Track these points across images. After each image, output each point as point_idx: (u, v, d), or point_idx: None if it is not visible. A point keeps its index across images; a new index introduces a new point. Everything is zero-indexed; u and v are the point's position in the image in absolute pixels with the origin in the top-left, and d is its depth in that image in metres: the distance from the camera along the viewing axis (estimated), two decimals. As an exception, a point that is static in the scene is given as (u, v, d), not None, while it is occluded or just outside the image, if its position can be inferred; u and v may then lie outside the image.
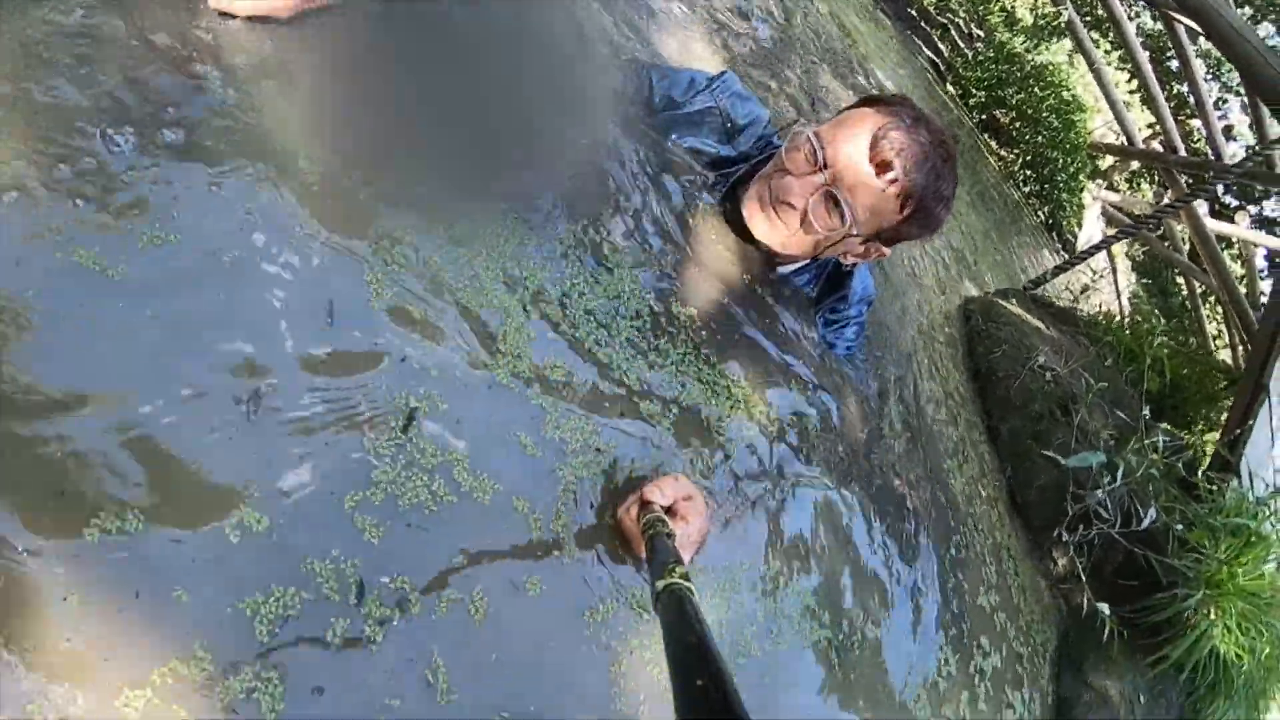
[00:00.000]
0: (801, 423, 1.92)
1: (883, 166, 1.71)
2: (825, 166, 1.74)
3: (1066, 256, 8.83)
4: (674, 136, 2.03)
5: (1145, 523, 3.21)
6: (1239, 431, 4.02)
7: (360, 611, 1.05)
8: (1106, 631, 3.13)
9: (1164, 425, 3.82)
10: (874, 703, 1.77)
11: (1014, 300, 4.53)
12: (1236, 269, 9.60)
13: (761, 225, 1.89)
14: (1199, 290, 10.47)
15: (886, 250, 1.94)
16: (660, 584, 1.05)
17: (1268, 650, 3.50)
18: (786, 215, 1.82)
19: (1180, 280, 11.92)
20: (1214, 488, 3.57)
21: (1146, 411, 3.59)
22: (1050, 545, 3.35)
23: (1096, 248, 5.46)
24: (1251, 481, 3.92)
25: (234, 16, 1.28)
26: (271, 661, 0.97)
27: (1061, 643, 3.23)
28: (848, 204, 1.74)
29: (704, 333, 1.76)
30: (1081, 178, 9.33)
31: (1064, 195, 9.05)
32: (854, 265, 2.09)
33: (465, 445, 1.24)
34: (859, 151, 1.72)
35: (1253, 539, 3.42)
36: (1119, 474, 3.27)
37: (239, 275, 1.11)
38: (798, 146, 1.79)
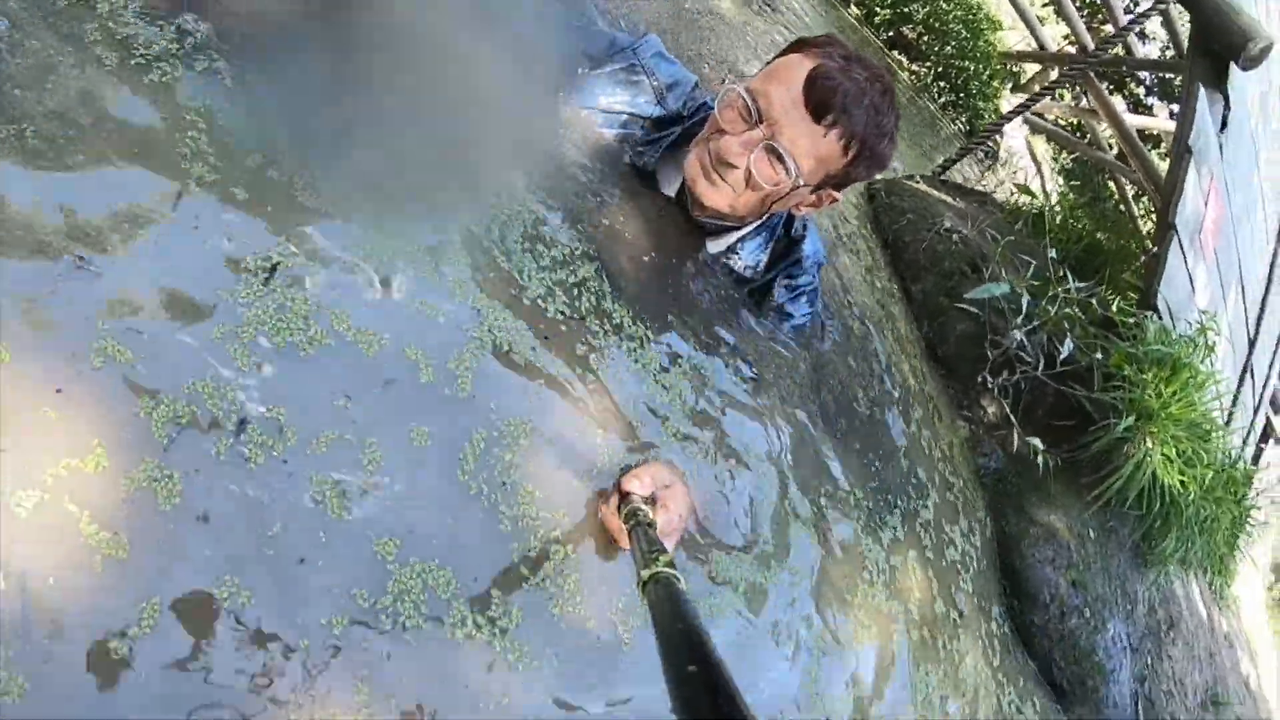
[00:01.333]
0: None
1: (820, 111, 1.67)
2: (761, 120, 1.70)
3: (989, 163, 8.84)
4: (597, 98, 1.98)
5: (1063, 354, 3.22)
6: (1151, 265, 4.07)
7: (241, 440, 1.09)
8: (1042, 468, 3.16)
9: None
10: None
11: (920, 181, 4.56)
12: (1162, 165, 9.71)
13: (707, 191, 1.83)
14: (1130, 192, 10.57)
15: (838, 195, 1.90)
16: (645, 573, 1.05)
17: (1210, 475, 3.52)
18: (730, 175, 1.76)
19: (1111, 184, 12.02)
20: (1133, 321, 3.57)
21: (1053, 252, 3.59)
22: (977, 394, 3.36)
23: (991, 127, 5.54)
24: (1173, 320, 3.95)
25: None
26: (169, 462, 1.01)
27: (998, 483, 3.28)
28: (789, 155, 1.70)
29: (635, 306, 1.71)
30: (995, 83, 9.37)
31: (979, 103, 9.08)
32: (805, 225, 2.10)
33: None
34: (793, 100, 1.67)
35: (1178, 366, 3.45)
36: (1032, 313, 3.32)
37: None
38: (730, 104, 1.74)
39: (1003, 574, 3.04)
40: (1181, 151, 4.16)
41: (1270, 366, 7.86)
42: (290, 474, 1.09)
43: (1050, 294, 3.39)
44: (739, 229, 1.99)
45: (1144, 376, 3.31)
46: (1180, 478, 3.37)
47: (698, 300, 1.89)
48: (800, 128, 1.68)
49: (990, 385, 3.27)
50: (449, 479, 1.24)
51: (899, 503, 2.37)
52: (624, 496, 1.34)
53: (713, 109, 1.87)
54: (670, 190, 1.97)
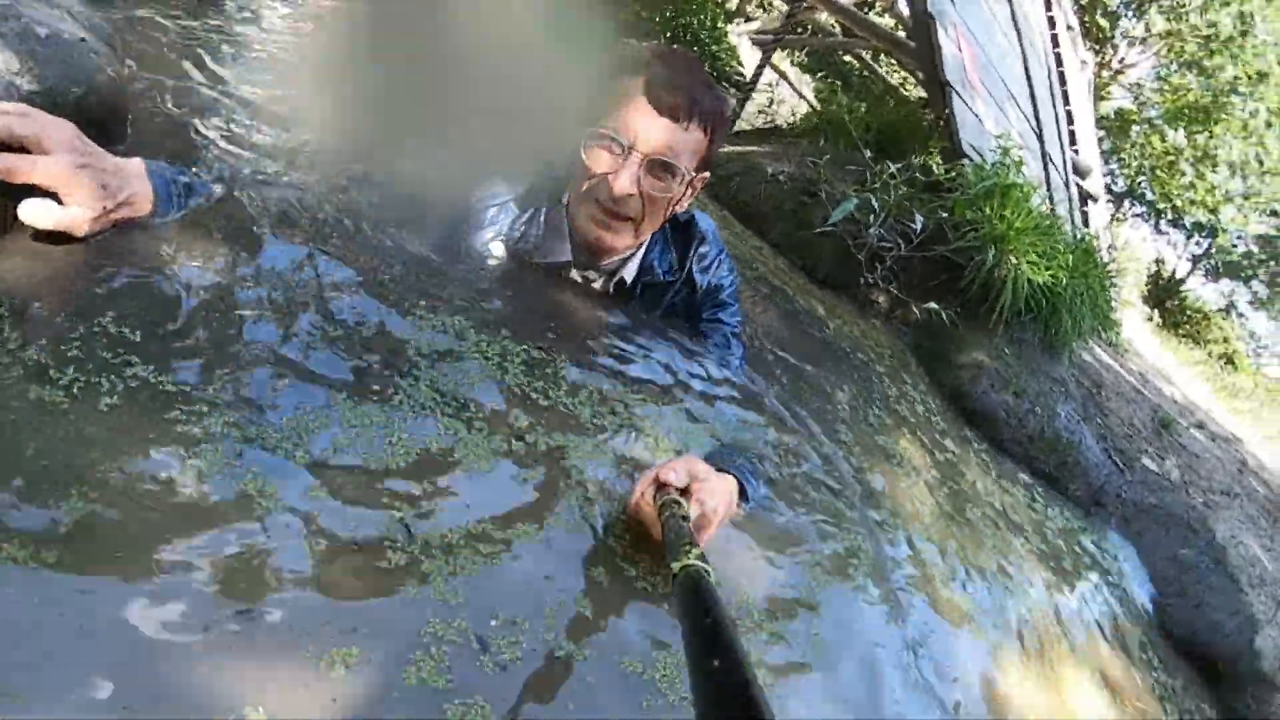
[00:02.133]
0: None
1: (675, 113, 1.74)
2: (631, 147, 1.75)
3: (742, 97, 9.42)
4: (474, 228, 2.01)
5: (917, 228, 3.72)
6: (946, 124, 4.60)
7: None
8: (947, 322, 3.71)
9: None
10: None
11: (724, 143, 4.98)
12: (888, 22, 10.37)
13: (612, 238, 1.90)
14: (869, 56, 11.24)
15: (706, 174, 1.94)
16: (676, 565, 1.04)
17: (1069, 259, 4.14)
18: (628, 207, 1.82)
19: (850, 59, 12.68)
20: (953, 174, 4.12)
21: (868, 153, 4.07)
22: (866, 293, 3.85)
23: (757, 73, 5.97)
24: (982, 157, 4.52)
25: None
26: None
27: (918, 348, 3.82)
28: (672, 159, 1.77)
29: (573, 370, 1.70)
30: (720, 24, 9.85)
31: (713, 47, 9.53)
32: (689, 218, 2.14)
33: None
34: (650, 114, 1.74)
35: (1005, 190, 4.04)
36: (875, 209, 3.79)
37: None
38: (597, 149, 1.79)
39: (961, 415, 3.56)
40: (925, 19, 4.74)
41: (1060, 143, 8.55)
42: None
43: (879, 185, 3.92)
44: (638, 251, 2.04)
45: (984, 212, 3.88)
46: (1047, 273, 3.96)
47: (658, 320, 2.01)
48: (667, 134, 1.74)
49: (873, 281, 3.78)
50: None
51: (866, 393, 2.84)
52: (660, 487, 1.31)
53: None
54: (565, 256, 1.99)
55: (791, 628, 1.44)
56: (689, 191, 1.92)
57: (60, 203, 1.21)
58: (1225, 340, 27.91)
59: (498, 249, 1.98)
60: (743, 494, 1.53)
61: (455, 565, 1.10)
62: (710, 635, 0.85)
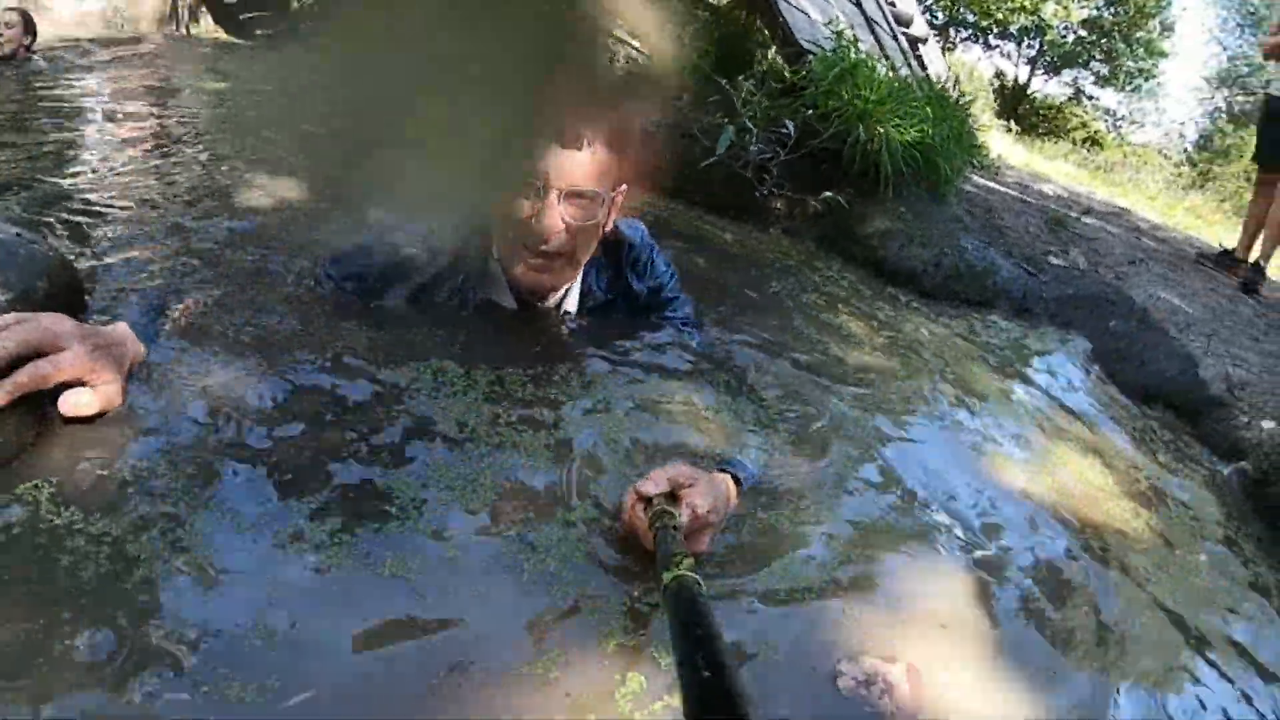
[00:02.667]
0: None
1: (574, 141, 1.73)
2: (547, 185, 1.74)
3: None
4: (400, 294, 1.99)
5: (791, 131, 4.06)
6: (779, 31, 4.92)
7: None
8: (844, 205, 4.05)
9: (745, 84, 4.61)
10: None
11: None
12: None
13: (550, 280, 1.91)
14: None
15: (624, 187, 1.92)
16: (667, 576, 1.04)
17: (927, 110, 4.52)
18: (562, 246, 1.81)
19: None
20: (803, 73, 4.45)
21: (724, 80, 4.35)
22: (766, 205, 4.19)
23: None
24: (820, 47, 4.84)
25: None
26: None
27: (826, 237, 4.18)
28: (590, 189, 1.76)
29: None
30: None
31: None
32: (619, 241, 2.12)
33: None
34: (551, 151, 1.73)
35: (853, 69, 4.38)
36: (747, 128, 4.09)
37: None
38: (520, 193, 1.78)
39: (881, 279, 3.92)
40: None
41: (877, 3, 8.81)
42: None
43: (742, 104, 4.22)
44: (575, 280, 2.04)
45: (843, 97, 4.20)
46: (913, 131, 4.31)
47: (627, 340, 1.99)
48: (573, 162, 1.73)
49: (766, 193, 4.11)
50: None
51: (795, 289, 3.16)
52: (646, 502, 1.30)
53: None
54: (509, 302, 2.00)
55: (802, 473, 1.70)
56: (611, 211, 1.92)
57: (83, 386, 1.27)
58: (1084, 125, 28.89)
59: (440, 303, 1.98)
60: (738, 482, 1.51)
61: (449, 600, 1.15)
62: (700, 646, 0.86)
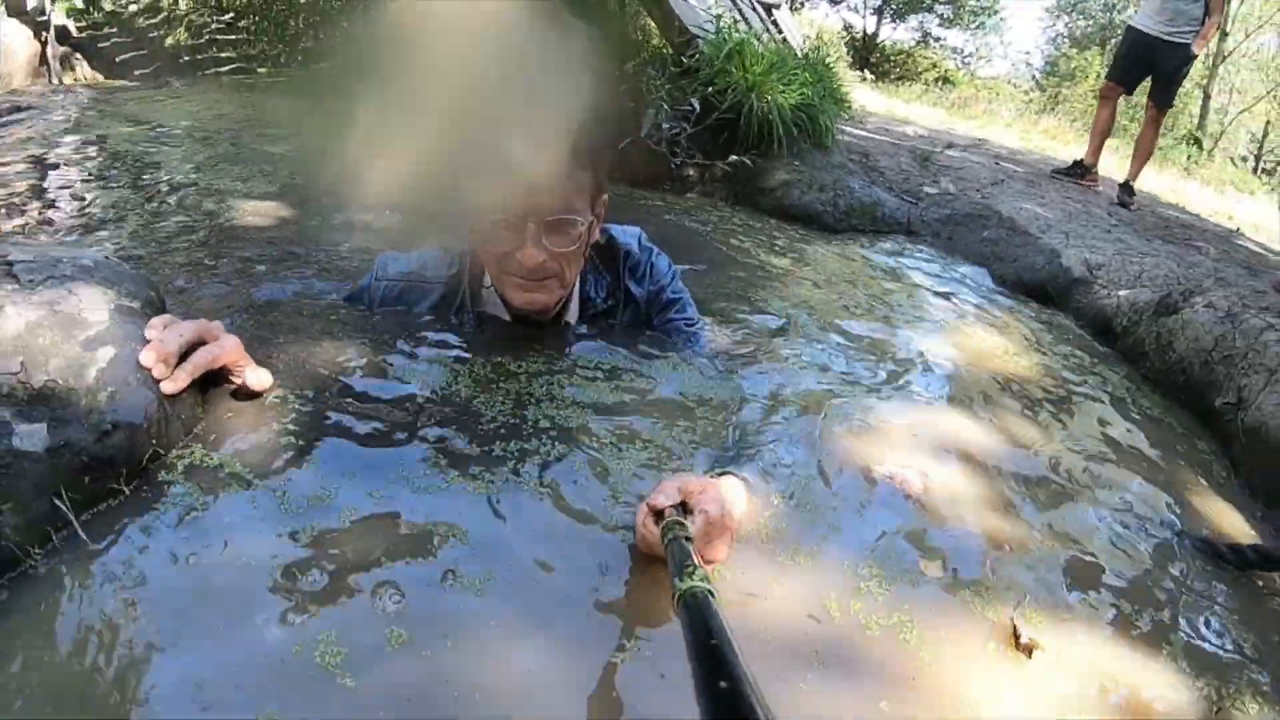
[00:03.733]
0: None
1: (545, 172, 1.66)
2: (524, 218, 1.71)
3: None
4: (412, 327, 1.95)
5: (695, 107, 4.69)
6: (673, 21, 5.50)
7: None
8: (750, 165, 4.70)
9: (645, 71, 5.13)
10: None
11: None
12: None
13: (544, 300, 1.86)
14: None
15: (605, 197, 1.90)
16: (680, 587, 1.02)
17: (804, 76, 5.17)
18: (548, 272, 1.79)
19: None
20: (695, 56, 5.06)
21: (630, 68, 4.90)
22: (682, 173, 4.79)
23: None
24: (705, 30, 5.39)
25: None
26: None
27: (737, 194, 4.82)
28: (566, 214, 1.73)
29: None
30: None
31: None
32: (607, 237, 2.09)
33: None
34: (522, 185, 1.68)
35: (739, 48, 5.01)
36: (659, 108, 4.68)
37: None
38: (496, 230, 1.76)
39: (789, 223, 4.54)
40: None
41: None
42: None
43: (648, 89, 4.81)
44: (572, 291, 2.00)
45: (734, 73, 4.82)
46: (795, 95, 4.96)
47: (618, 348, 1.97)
48: (551, 192, 1.69)
49: (680, 163, 4.72)
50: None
51: (720, 240, 3.73)
52: (657, 515, 1.27)
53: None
54: (505, 315, 1.97)
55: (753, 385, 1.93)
56: (595, 223, 1.87)
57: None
58: (934, 66, 29.95)
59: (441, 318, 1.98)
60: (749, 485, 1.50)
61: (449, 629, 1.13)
62: (716, 657, 0.85)
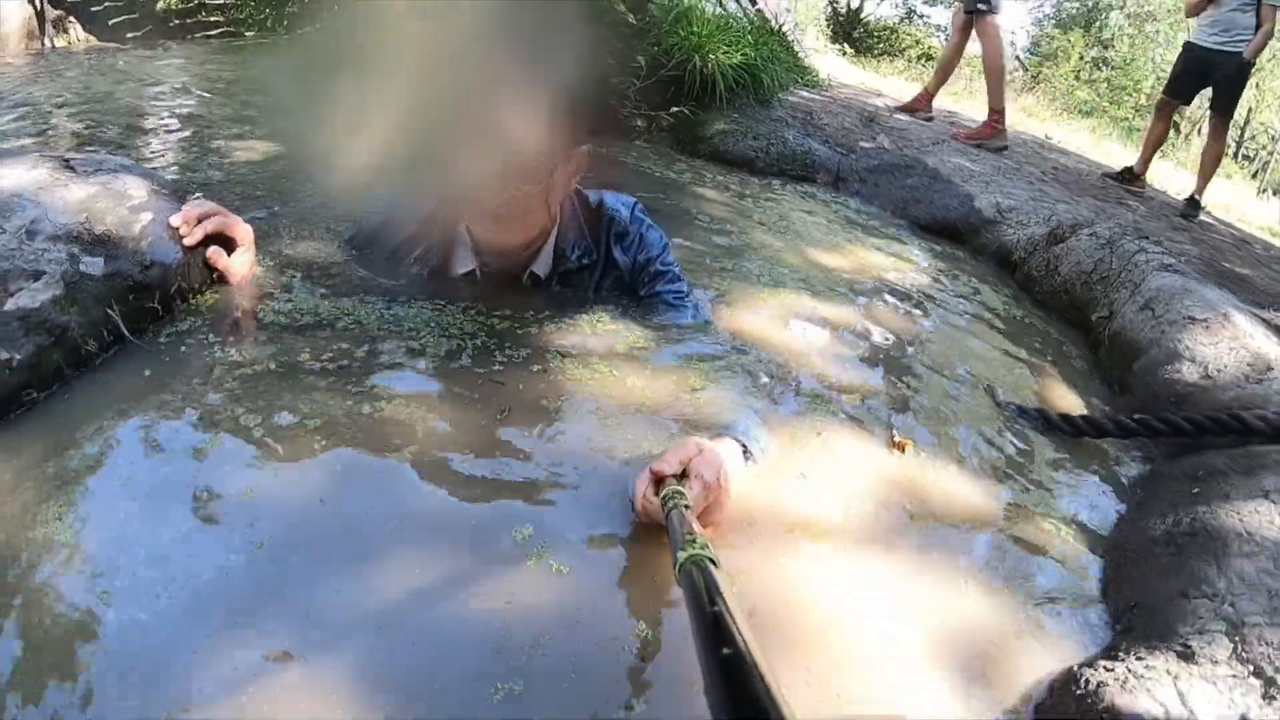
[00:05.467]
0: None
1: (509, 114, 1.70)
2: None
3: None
4: (383, 259, 2.09)
5: (643, 64, 5.07)
6: None
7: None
8: (689, 118, 5.12)
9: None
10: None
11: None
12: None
13: (503, 235, 1.94)
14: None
15: (583, 148, 1.93)
16: (682, 556, 1.03)
17: (752, 39, 5.60)
18: (510, 210, 1.85)
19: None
20: (646, 18, 5.41)
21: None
22: (627, 128, 5.18)
23: None
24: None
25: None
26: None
27: (682, 142, 5.21)
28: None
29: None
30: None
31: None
32: (599, 200, 2.11)
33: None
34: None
35: (686, 12, 5.43)
36: (612, 63, 5.00)
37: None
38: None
39: (725, 168, 4.89)
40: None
41: None
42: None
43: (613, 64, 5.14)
44: (546, 243, 2.00)
45: (682, 34, 5.21)
46: (738, 56, 5.34)
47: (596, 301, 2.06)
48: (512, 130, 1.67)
49: (628, 114, 5.12)
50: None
51: (666, 180, 4.12)
52: (658, 483, 1.29)
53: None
54: (470, 265, 1.99)
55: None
56: (565, 172, 1.89)
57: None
58: (918, 42, 30.05)
59: (409, 266, 2.04)
60: (747, 452, 1.52)
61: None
62: (718, 625, 0.85)
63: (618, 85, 5.01)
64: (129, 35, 10.18)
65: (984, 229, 4.31)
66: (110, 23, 11.35)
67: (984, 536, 1.65)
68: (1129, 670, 1.24)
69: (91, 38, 11.18)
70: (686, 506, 1.20)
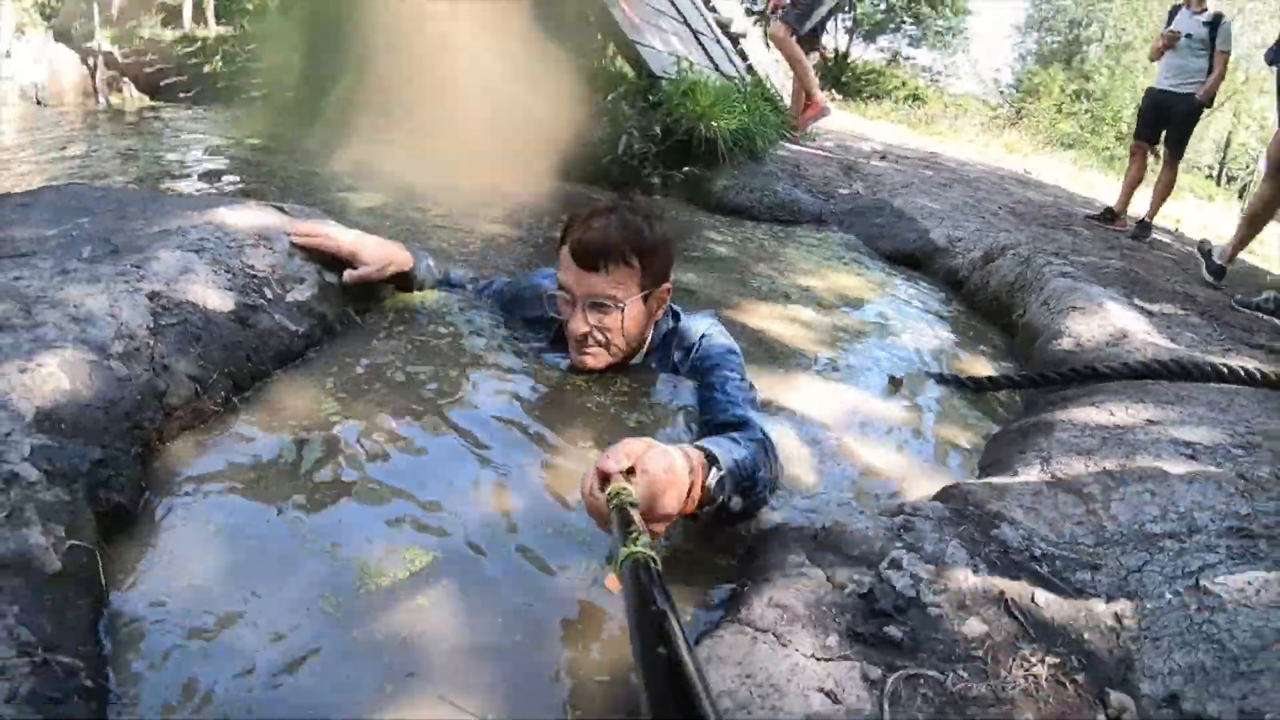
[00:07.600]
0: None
1: (590, 263, 2.00)
2: (574, 296, 2.04)
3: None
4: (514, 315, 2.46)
5: (659, 132, 6.05)
6: (641, 67, 6.65)
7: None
8: (698, 178, 6.08)
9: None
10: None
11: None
12: None
13: (590, 362, 2.12)
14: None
15: (667, 285, 2.16)
16: (623, 552, 1.02)
17: (747, 106, 6.58)
18: (595, 340, 2.09)
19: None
20: (659, 93, 6.36)
21: (607, 100, 6.16)
22: (647, 184, 6.02)
23: None
24: (667, 70, 6.67)
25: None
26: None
27: (689, 190, 6.12)
28: (602, 298, 2.02)
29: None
30: None
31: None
32: (676, 318, 2.31)
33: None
34: (574, 270, 2.02)
35: (695, 87, 6.34)
36: (631, 138, 5.97)
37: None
38: (557, 299, 2.14)
39: (728, 215, 5.80)
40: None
41: (700, 16, 10.16)
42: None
43: (623, 116, 6.11)
44: (636, 360, 2.24)
45: (689, 106, 6.15)
46: (738, 121, 6.30)
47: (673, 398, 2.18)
48: (590, 281, 2.01)
49: (649, 173, 6.04)
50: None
51: (685, 227, 5.10)
52: (604, 480, 1.27)
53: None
54: (570, 360, 2.20)
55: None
56: (654, 306, 2.16)
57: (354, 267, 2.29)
58: (904, 84, 30.79)
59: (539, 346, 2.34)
60: (714, 461, 1.51)
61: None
62: (655, 623, 0.86)
63: (638, 149, 5.94)
64: (181, 96, 11.06)
65: (937, 256, 5.26)
66: (161, 84, 12.31)
67: (919, 441, 2.55)
68: (984, 481, 2.05)
69: (145, 98, 12.11)
70: (632, 504, 1.20)
